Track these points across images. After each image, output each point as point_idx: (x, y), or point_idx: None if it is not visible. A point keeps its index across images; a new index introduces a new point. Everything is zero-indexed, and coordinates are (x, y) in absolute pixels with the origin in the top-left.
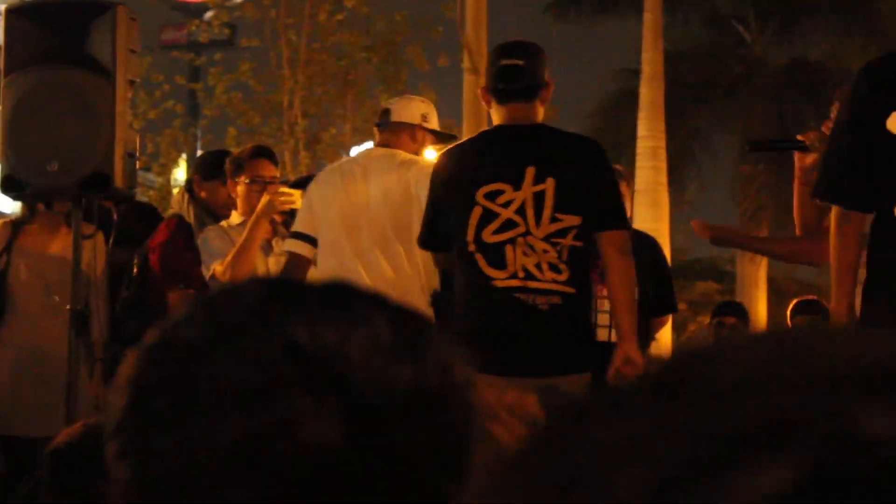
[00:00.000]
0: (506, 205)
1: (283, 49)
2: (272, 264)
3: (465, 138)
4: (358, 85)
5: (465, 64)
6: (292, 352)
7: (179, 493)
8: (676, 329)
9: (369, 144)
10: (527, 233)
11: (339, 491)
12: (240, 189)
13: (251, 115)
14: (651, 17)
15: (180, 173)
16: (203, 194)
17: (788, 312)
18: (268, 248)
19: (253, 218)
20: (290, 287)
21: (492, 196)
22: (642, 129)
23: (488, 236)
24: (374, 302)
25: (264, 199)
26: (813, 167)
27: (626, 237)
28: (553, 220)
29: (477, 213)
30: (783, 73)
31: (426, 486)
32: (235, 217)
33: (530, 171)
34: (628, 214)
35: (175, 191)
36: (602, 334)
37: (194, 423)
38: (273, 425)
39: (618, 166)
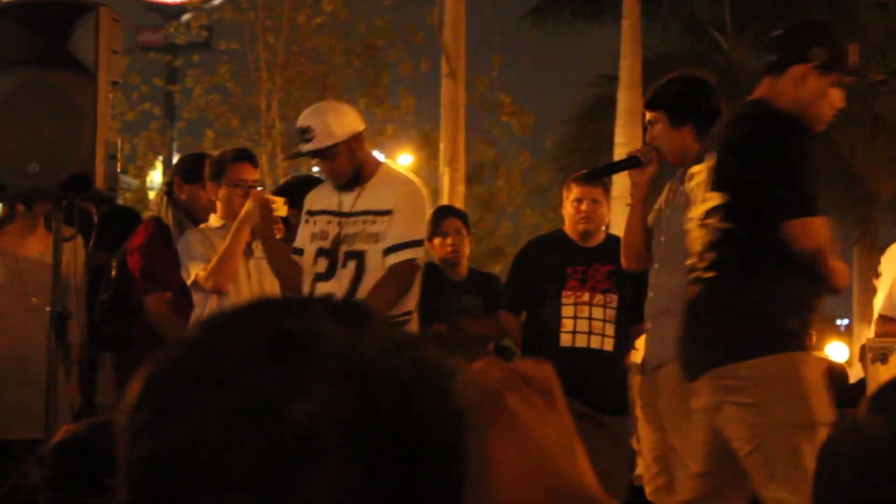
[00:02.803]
0: (699, 184)
1: (262, 52)
2: (252, 268)
3: (441, 143)
4: (336, 89)
5: (444, 69)
6: (307, 334)
7: (198, 458)
8: None
9: None
10: (692, 215)
11: (348, 464)
12: (222, 193)
13: (229, 118)
14: (629, 24)
15: (156, 175)
16: (183, 197)
17: None
18: (248, 253)
19: (236, 224)
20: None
21: (691, 176)
22: (620, 136)
23: (685, 221)
24: (367, 308)
25: (248, 205)
26: (650, 181)
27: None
28: (704, 199)
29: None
30: (761, 80)
31: (433, 462)
32: (215, 220)
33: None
34: (605, 220)
35: (151, 193)
36: (566, 340)
37: (210, 386)
38: (279, 392)
39: None
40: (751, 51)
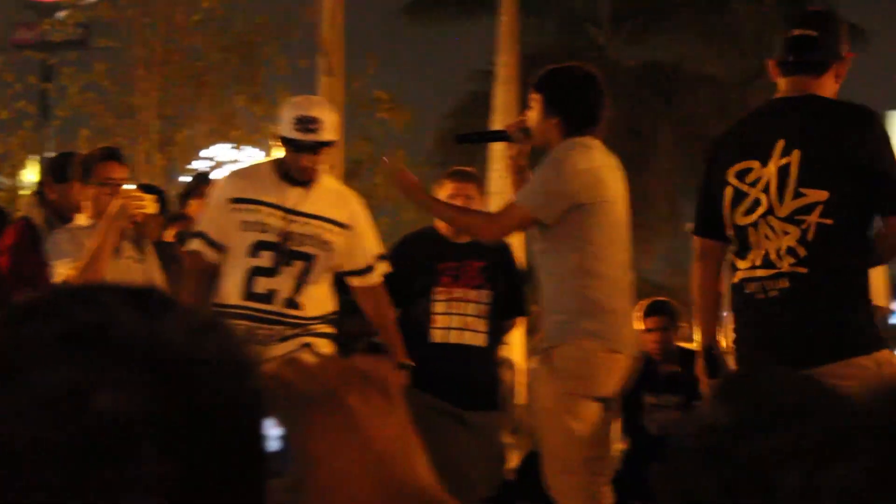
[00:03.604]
0: (753, 183)
1: (139, 49)
2: (122, 268)
3: None
4: (213, 86)
5: (321, 66)
6: (105, 324)
7: (1, 459)
8: (529, 331)
9: (225, 146)
10: (768, 212)
11: (161, 457)
12: (90, 192)
13: (105, 116)
14: (506, 20)
15: (30, 175)
16: (53, 196)
17: (641, 313)
18: (117, 252)
19: (105, 222)
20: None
21: (741, 175)
22: None
23: (739, 218)
24: (166, 295)
25: (116, 203)
26: (521, 156)
27: None
28: (797, 195)
29: (729, 193)
30: (636, 75)
31: (242, 447)
32: (83, 219)
33: (779, 145)
34: None
35: (24, 192)
36: (438, 336)
37: (9, 383)
38: (83, 386)
39: (469, 168)
40: (627, 46)
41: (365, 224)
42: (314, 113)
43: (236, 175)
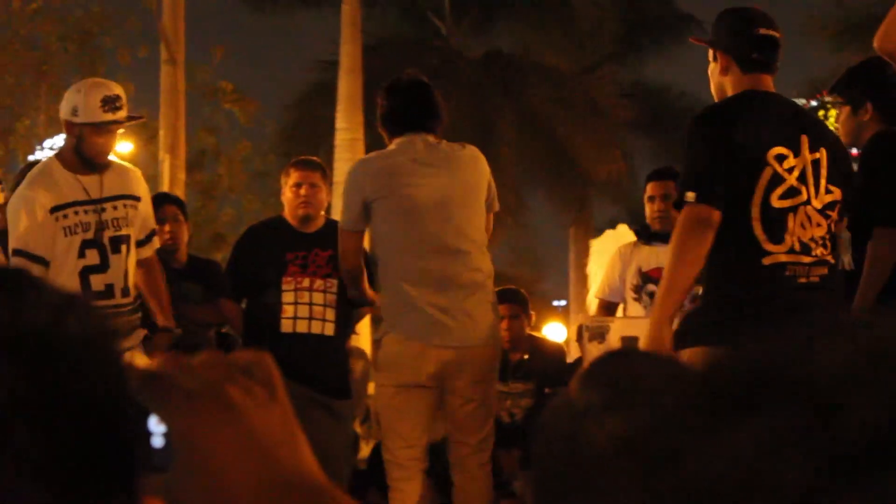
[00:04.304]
0: (789, 170)
1: None
2: None
3: (161, 130)
4: (53, 75)
5: (163, 55)
6: None
7: None
8: (375, 322)
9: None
10: (807, 202)
11: (34, 439)
12: None
13: None
14: (349, 10)
15: None
16: None
17: None
18: None
19: None
20: None
21: (779, 159)
22: (340, 122)
23: (775, 201)
24: (25, 275)
25: None
26: None
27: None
28: (827, 191)
29: (767, 174)
30: (479, 65)
31: (110, 422)
32: None
33: (804, 139)
34: (324, 205)
35: None
36: (287, 325)
37: None
38: None
39: (315, 158)
40: (469, 37)
41: (147, 195)
42: (116, 91)
43: (41, 184)
